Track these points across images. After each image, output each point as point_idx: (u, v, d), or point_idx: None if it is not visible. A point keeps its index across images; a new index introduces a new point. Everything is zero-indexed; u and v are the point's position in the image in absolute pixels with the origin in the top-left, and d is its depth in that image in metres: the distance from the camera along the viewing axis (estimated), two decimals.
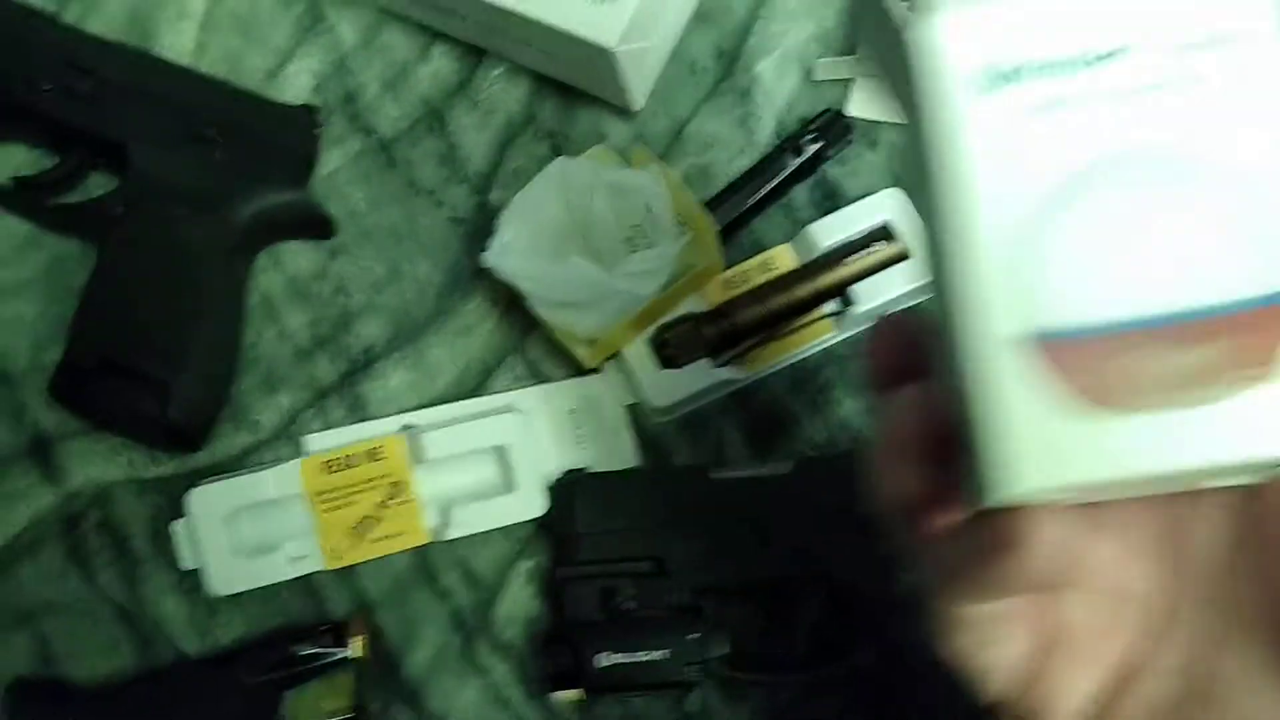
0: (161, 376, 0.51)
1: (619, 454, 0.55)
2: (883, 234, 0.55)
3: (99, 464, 0.54)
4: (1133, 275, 0.26)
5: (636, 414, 0.56)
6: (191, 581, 0.53)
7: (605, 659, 0.49)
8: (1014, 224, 0.26)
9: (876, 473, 0.31)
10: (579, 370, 0.56)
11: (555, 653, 0.50)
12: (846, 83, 0.58)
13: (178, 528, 0.53)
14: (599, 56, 0.53)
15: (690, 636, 0.50)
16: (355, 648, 0.52)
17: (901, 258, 0.55)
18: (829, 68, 0.58)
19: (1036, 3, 0.27)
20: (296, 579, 0.53)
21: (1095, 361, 0.26)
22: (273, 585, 0.53)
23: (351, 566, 0.54)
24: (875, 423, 0.31)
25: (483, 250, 0.53)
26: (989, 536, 0.27)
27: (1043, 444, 0.26)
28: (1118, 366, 0.26)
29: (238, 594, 0.53)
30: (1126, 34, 0.27)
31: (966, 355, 0.27)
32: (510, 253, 0.52)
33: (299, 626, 0.53)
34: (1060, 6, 0.27)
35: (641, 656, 0.49)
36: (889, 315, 0.34)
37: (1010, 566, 0.27)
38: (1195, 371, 0.26)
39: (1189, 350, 0.26)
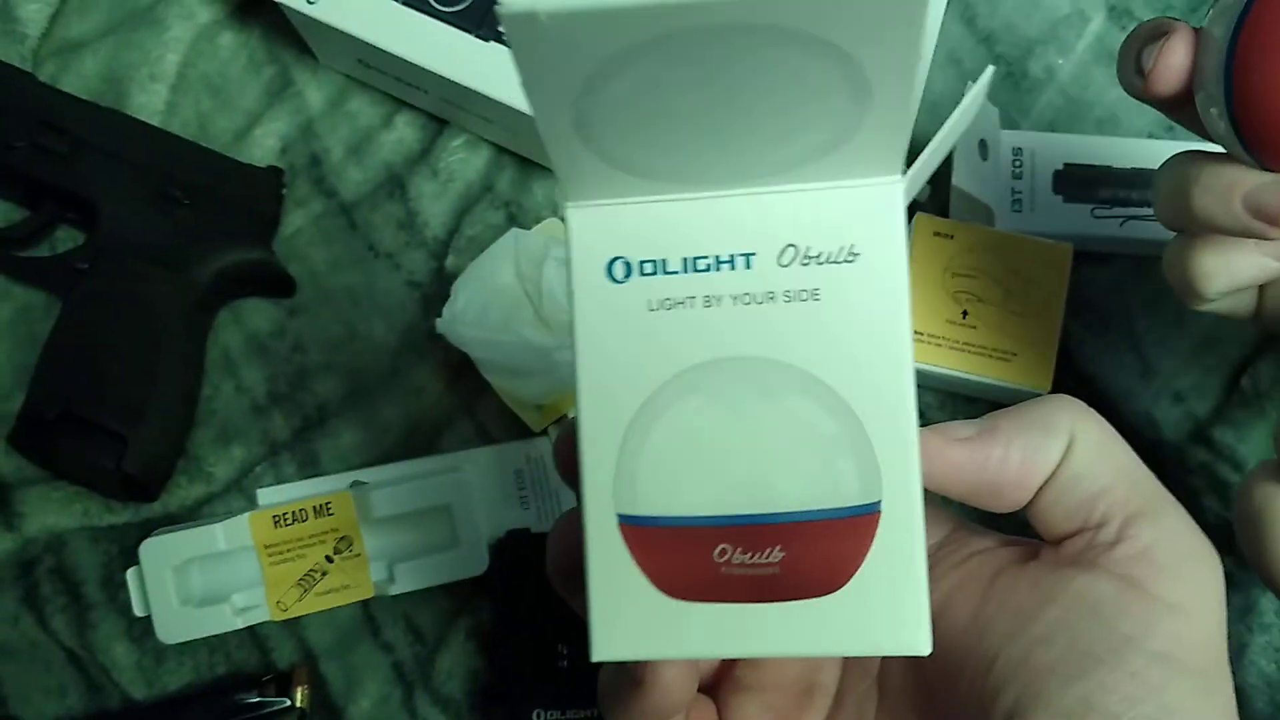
0: (119, 430, 0.53)
1: (562, 514, 0.57)
2: None
3: (55, 512, 0.56)
4: (709, 476, 0.28)
5: None
6: (141, 628, 0.55)
7: (540, 716, 0.51)
8: (626, 409, 0.28)
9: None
10: (526, 433, 0.58)
11: (492, 709, 0.52)
12: None
13: (130, 576, 0.54)
14: None
15: None
16: (298, 698, 0.54)
17: None
18: None
19: (658, 207, 0.28)
20: (244, 629, 0.55)
21: (665, 551, 0.28)
22: (220, 635, 0.55)
23: (298, 618, 0.55)
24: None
25: (437, 315, 0.55)
26: (624, 675, 0.30)
27: (629, 619, 0.28)
28: (684, 559, 0.28)
29: (186, 642, 0.54)
30: (741, 243, 0.28)
31: (584, 522, 0.28)
32: (461, 321, 0.54)
33: (244, 676, 0.55)
34: (680, 212, 0.28)
35: (575, 715, 0.51)
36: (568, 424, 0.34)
37: (641, 702, 0.30)
38: (755, 572, 0.28)
39: (747, 552, 0.28)
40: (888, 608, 0.28)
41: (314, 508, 0.55)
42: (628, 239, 0.28)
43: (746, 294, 0.28)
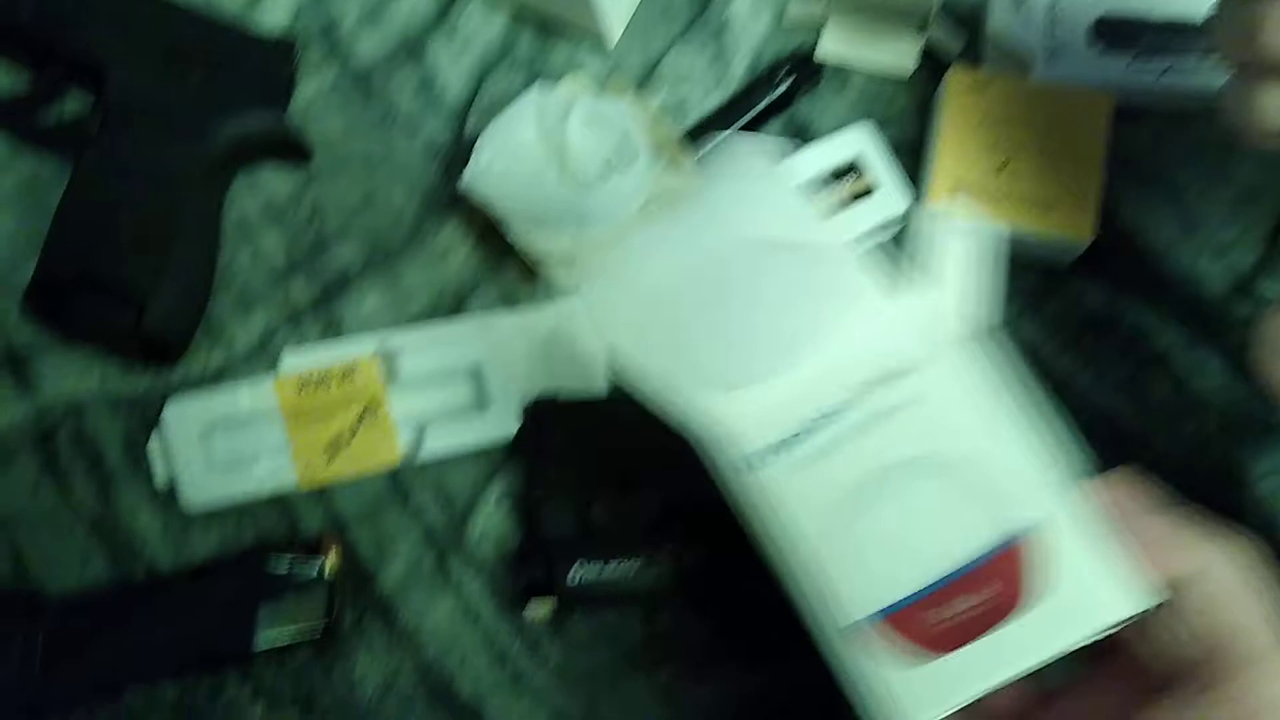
0: (138, 289, 0.52)
1: (591, 379, 0.56)
2: (851, 169, 0.57)
3: (73, 377, 0.55)
4: (906, 557, 0.36)
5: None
6: (166, 497, 0.54)
7: (577, 572, 0.50)
8: (821, 548, 0.36)
9: None
10: (553, 298, 0.57)
11: (528, 567, 0.51)
12: (819, 26, 0.59)
13: (152, 446, 0.53)
14: None
15: (662, 547, 0.51)
16: (328, 564, 0.53)
17: (870, 191, 0.56)
18: (799, 11, 0.59)
19: (767, 392, 0.38)
20: (271, 499, 0.54)
21: (908, 624, 0.35)
22: (247, 503, 0.53)
23: (325, 487, 0.54)
24: None
25: (459, 178, 0.54)
26: None
27: (903, 693, 0.35)
28: (920, 623, 0.35)
29: (212, 512, 0.53)
30: (837, 392, 0.37)
31: (825, 645, 0.36)
32: (488, 175, 0.53)
33: (273, 543, 0.53)
34: (784, 393, 0.38)
35: (613, 569, 0.50)
36: None
37: None
38: (969, 615, 0.35)
39: (957, 601, 0.35)
40: (1093, 587, 0.35)
41: (339, 371, 0.54)
42: (749, 434, 0.38)
43: (862, 422, 0.37)
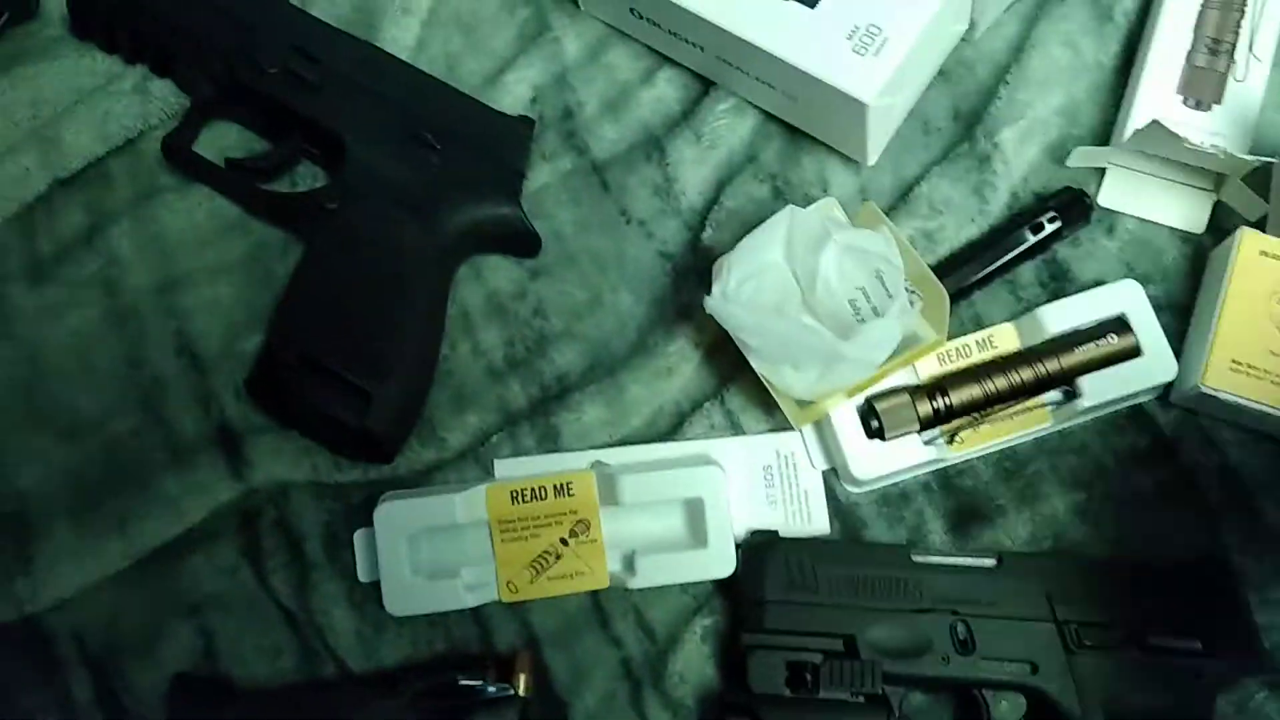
0: (365, 383, 0.50)
1: (811, 519, 0.53)
2: (1116, 326, 0.52)
3: (285, 463, 0.53)
4: None
5: (830, 480, 0.53)
6: (362, 594, 0.52)
7: None
8: None
9: None
10: (777, 426, 0.54)
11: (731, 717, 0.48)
12: (1096, 170, 0.55)
13: (358, 539, 0.51)
14: (848, 107, 0.51)
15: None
16: (521, 685, 0.50)
17: (1133, 353, 0.52)
18: (1085, 155, 0.55)
19: None
20: (467, 611, 0.51)
21: None
22: (444, 614, 0.51)
23: (526, 604, 0.52)
24: None
25: (691, 291, 0.51)
26: None
27: None
28: None
29: (410, 617, 0.51)
30: None
31: None
32: (735, 301, 0.50)
33: (465, 655, 0.51)
34: None
35: None
36: None
37: None
38: None
39: None
40: None
41: (553, 486, 0.51)
42: None
43: None
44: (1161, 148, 0.52)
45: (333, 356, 0.50)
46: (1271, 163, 0.52)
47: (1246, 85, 0.54)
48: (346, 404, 0.50)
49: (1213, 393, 0.50)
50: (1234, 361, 0.50)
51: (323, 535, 0.53)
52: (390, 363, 0.51)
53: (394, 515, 0.51)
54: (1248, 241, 0.51)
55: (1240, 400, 0.50)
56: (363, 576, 0.51)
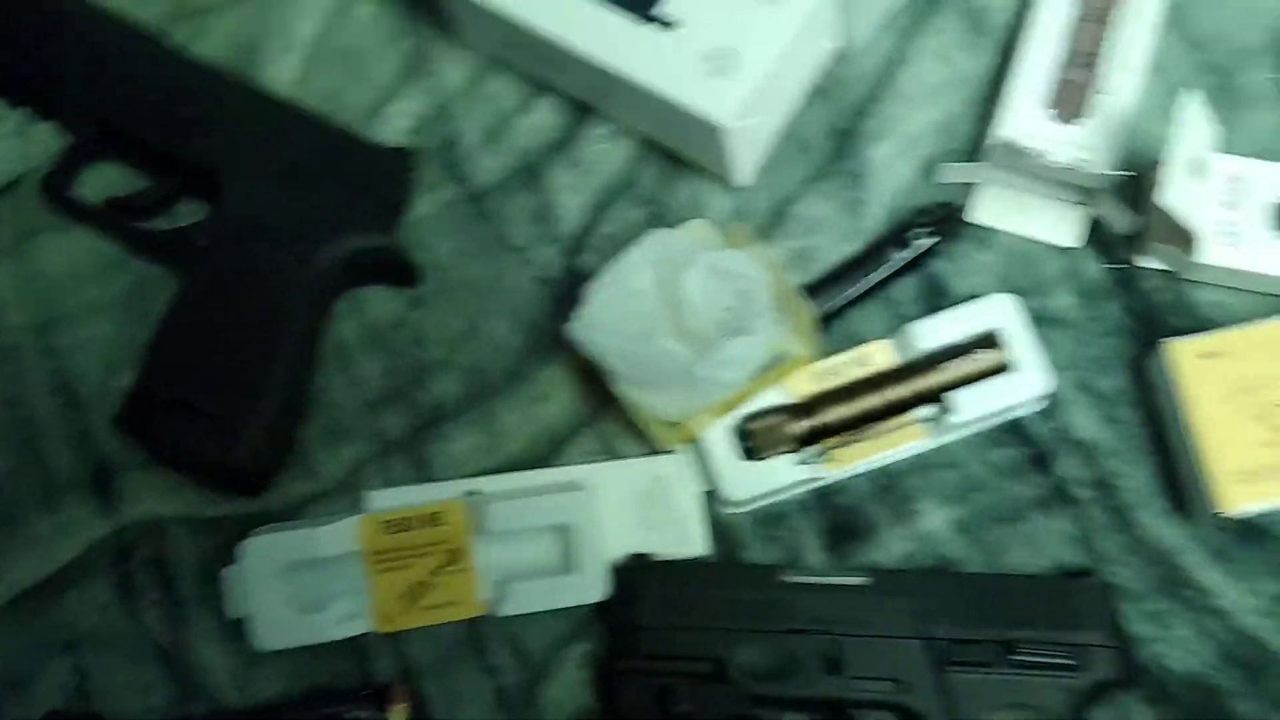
0: (230, 418, 0.50)
1: (687, 542, 0.53)
2: (988, 341, 0.52)
3: (156, 499, 0.53)
4: None
5: (709, 502, 0.53)
6: (236, 630, 0.52)
7: None
8: None
9: None
10: (653, 450, 0.54)
11: None
12: (969, 185, 0.55)
13: (229, 574, 0.51)
14: (709, 131, 0.51)
15: None
16: (396, 716, 0.50)
17: (1004, 368, 0.52)
18: (953, 171, 0.55)
19: None
20: (343, 642, 0.51)
21: None
22: (319, 646, 0.51)
23: (400, 631, 0.52)
24: None
25: (567, 317, 0.51)
26: None
27: None
28: None
29: (284, 651, 0.51)
30: None
31: None
32: (596, 327, 0.50)
33: (341, 689, 0.51)
34: None
35: None
36: None
37: None
38: None
39: None
40: None
41: (426, 515, 0.51)
42: None
43: None
44: (1018, 164, 0.52)
45: (198, 392, 0.50)
46: (1128, 176, 0.51)
47: (1116, 98, 0.54)
48: (212, 439, 0.50)
49: (1238, 512, 0.49)
50: (1239, 473, 0.49)
51: (196, 571, 0.53)
52: (256, 398, 0.51)
53: (262, 549, 0.50)
54: (1177, 355, 0.50)
55: (1263, 506, 0.49)
56: (231, 612, 0.51)
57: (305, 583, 0.51)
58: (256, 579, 0.50)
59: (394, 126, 0.59)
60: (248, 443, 0.50)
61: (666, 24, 0.51)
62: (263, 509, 0.53)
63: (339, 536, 0.51)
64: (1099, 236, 0.54)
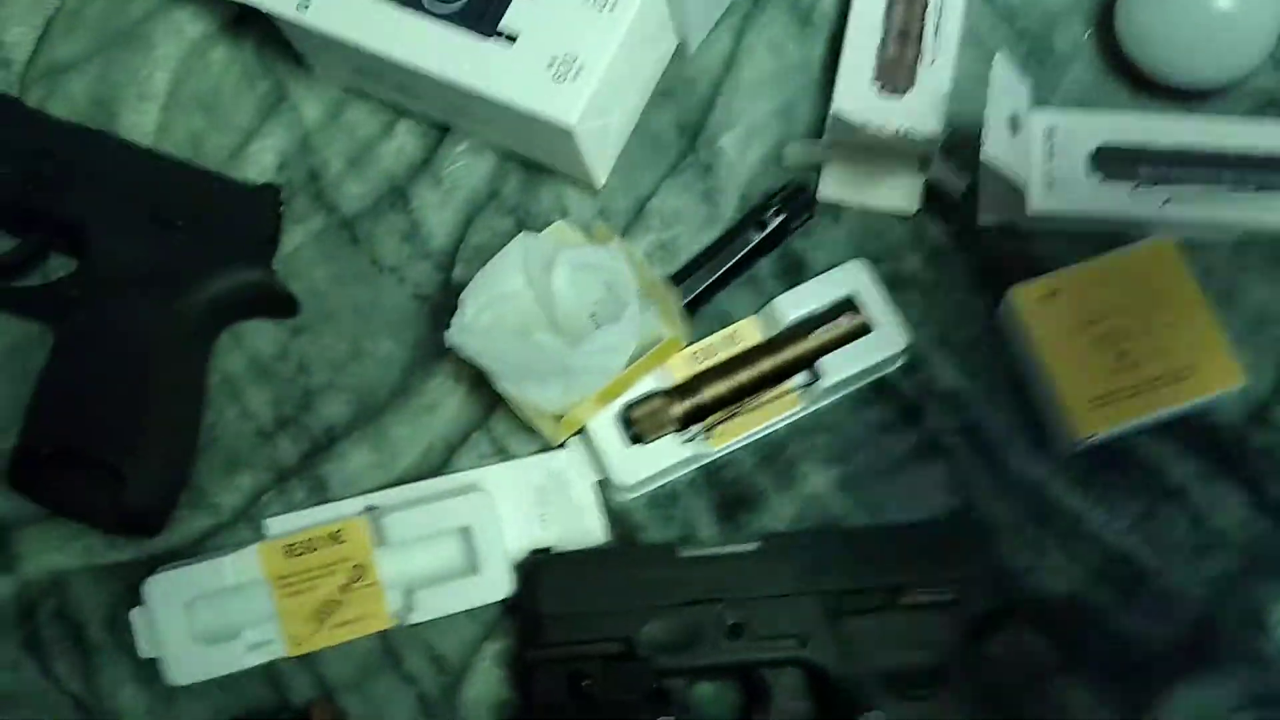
0: (116, 463, 0.51)
1: (586, 531, 0.55)
2: (848, 306, 0.55)
3: (55, 551, 0.53)
4: None
5: (604, 490, 0.55)
6: (150, 671, 0.52)
7: None
8: None
9: None
10: (545, 447, 0.55)
11: None
12: (816, 165, 0.58)
13: (135, 616, 0.51)
14: (559, 135, 0.53)
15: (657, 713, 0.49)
16: None
17: (865, 330, 0.55)
18: (795, 152, 0.58)
19: None
20: (257, 666, 0.52)
21: None
22: (234, 673, 0.52)
23: (314, 652, 0.52)
24: None
25: (446, 327, 0.53)
26: None
27: None
28: None
29: (197, 683, 0.52)
30: None
31: None
32: (472, 331, 0.52)
33: (260, 715, 0.52)
34: None
35: None
36: None
37: None
38: None
39: None
40: None
41: (326, 535, 0.53)
42: None
43: None
44: (854, 137, 0.55)
45: (84, 441, 0.51)
46: (955, 139, 0.55)
47: (936, 68, 0.57)
48: (101, 485, 0.51)
49: (1097, 436, 0.52)
50: (1092, 400, 0.52)
51: (103, 617, 0.53)
52: (141, 440, 0.52)
53: (165, 587, 0.51)
54: (1021, 299, 0.53)
55: (1128, 426, 0.52)
56: (144, 653, 0.51)
57: (213, 615, 0.52)
58: (164, 617, 0.51)
59: (259, 165, 0.60)
60: (136, 483, 0.51)
61: (509, 38, 0.53)
62: (165, 547, 0.54)
63: (242, 565, 0.52)
64: (940, 200, 0.58)
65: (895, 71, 0.57)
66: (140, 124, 0.60)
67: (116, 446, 0.51)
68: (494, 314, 0.53)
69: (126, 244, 0.55)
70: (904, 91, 0.57)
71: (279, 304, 0.57)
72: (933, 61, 0.57)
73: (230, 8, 0.60)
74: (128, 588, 0.53)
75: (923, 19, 0.58)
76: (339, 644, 0.52)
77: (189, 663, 0.51)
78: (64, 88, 0.60)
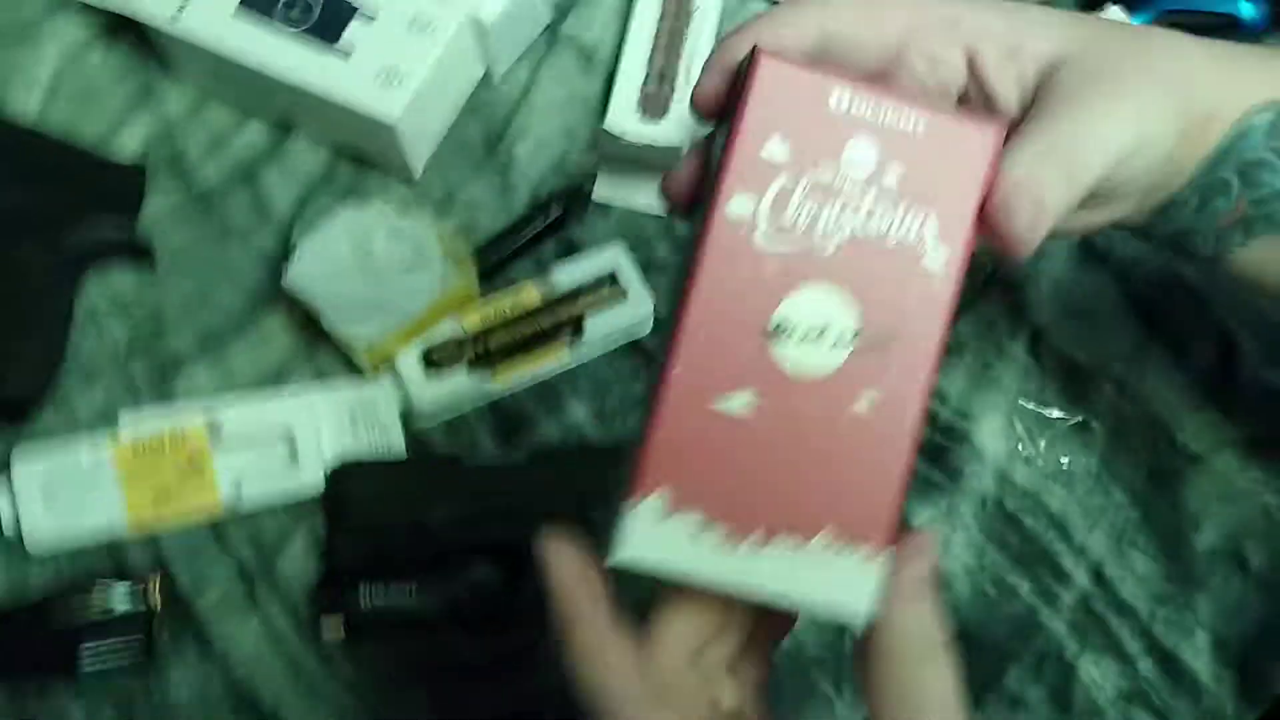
0: None
1: (390, 449, 0.67)
2: (610, 280, 0.70)
3: None
4: None
5: (406, 418, 0.68)
6: (6, 544, 0.61)
7: (366, 592, 0.60)
8: None
9: None
10: (358, 379, 0.68)
11: (326, 588, 0.61)
12: (593, 172, 0.74)
13: None
14: (384, 130, 0.67)
15: (439, 577, 0.61)
16: (150, 595, 0.61)
17: (621, 298, 0.70)
18: (579, 158, 0.74)
19: None
20: (103, 544, 0.62)
21: None
22: (83, 546, 0.62)
23: (154, 534, 0.63)
24: None
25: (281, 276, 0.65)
26: None
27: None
28: None
29: (50, 555, 0.61)
30: None
31: None
32: (306, 274, 0.65)
33: (101, 579, 0.62)
34: None
35: (396, 590, 0.60)
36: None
37: None
38: None
39: None
40: None
41: (169, 433, 0.64)
42: None
43: None
44: (616, 146, 0.71)
45: None
46: None
47: (684, 102, 0.74)
48: None
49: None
50: None
51: None
52: (16, 344, 0.63)
53: (28, 463, 0.61)
54: None
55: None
56: (5, 522, 0.61)
57: (68, 492, 0.62)
58: (24, 490, 0.61)
59: (127, 149, 0.72)
60: (9, 375, 0.62)
61: (345, 52, 0.68)
62: (29, 438, 0.64)
63: (95, 450, 0.62)
64: None
65: (654, 103, 0.73)
66: (24, 108, 0.72)
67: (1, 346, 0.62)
68: (323, 262, 0.66)
69: (11, 196, 0.66)
70: (659, 119, 0.73)
71: (139, 255, 0.69)
72: (682, 98, 0.74)
73: (110, 15, 0.73)
74: None
75: (677, 65, 0.75)
76: (175, 524, 0.63)
77: (44, 531, 0.61)
78: None
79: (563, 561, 0.41)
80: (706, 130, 0.44)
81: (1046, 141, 0.39)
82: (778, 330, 0.38)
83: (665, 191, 0.44)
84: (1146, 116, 0.41)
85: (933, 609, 0.40)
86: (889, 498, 0.39)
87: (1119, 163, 0.41)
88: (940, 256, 0.39)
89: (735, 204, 0.39)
